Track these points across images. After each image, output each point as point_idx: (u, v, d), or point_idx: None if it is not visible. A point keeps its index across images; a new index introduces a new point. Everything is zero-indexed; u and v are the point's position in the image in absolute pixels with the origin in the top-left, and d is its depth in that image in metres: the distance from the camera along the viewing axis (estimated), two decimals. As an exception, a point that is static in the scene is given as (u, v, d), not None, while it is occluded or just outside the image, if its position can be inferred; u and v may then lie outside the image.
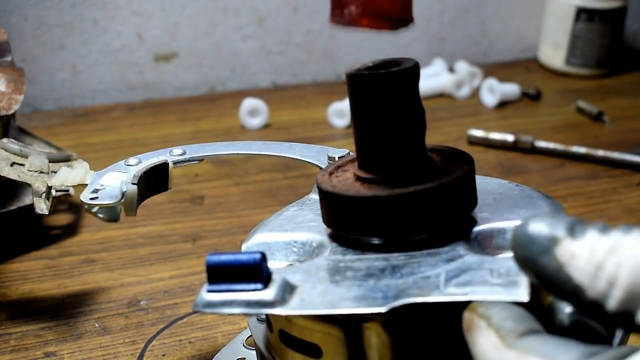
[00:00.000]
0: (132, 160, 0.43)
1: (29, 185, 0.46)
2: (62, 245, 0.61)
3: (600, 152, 0.75)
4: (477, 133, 0.80)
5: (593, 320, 0.30)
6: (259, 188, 0.70)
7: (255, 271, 0.29)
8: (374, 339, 0.30)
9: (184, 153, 0.45)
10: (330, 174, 0.35)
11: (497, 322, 0.26)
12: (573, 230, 0.26)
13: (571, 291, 0.25)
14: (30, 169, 0.47)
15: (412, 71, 0.32)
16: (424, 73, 0.95)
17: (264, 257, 0.30)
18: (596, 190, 0.70)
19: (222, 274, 0.30)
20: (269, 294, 0.29)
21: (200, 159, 0.45)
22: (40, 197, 0.45)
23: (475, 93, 0.94)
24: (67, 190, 0.47)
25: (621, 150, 0.76)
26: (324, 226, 0.35)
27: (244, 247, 0.36)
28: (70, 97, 0.94)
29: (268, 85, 1.01)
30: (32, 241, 0.61)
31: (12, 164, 0.47)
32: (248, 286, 0.29)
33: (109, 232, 0.63)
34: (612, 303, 0.24)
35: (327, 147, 0.44)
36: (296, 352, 0.32)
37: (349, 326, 0.30)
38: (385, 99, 0.32)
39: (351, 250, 0.33)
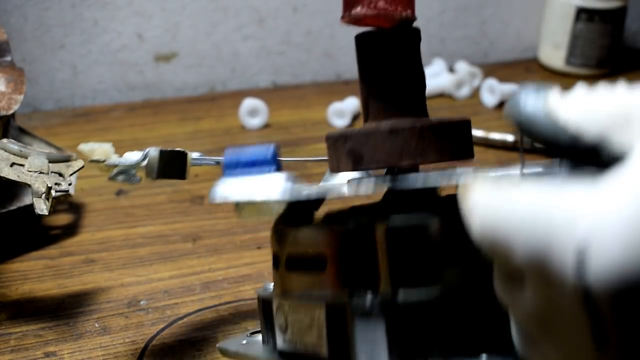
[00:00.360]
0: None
1: (29, 185, 0.46)
2: (62, 245, 0.61)
3: (600, 152, 0.75)
4: (477, 133, 0.80)
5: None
6: (259, 188, 0.70)
7: (269, 160, 0.34)
8: (378, 242, 0.31)
9: (203, 155, 0.49)
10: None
11: (490, 176, 0.29)
12: (562, 90, 0.29)
13: (554, 130, 0.28)
14: (30, 170, 0.47)
15: (414, 31, 0.36)
16: (424, 73, 0.95)
17: (277, 148, 0.34)
18: (596, 190, 0.70)
19: (237, 165, 0.34)
20: (280, 179, 0.33)
21: (217, 162, 0.48)
22: (40, 197, 0.45)
23: (475, 93, 0.94)
24: (67, 191, 0.47)
25: (621, 150, 0.76)
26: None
27: None
28: (70, 97, 0.94)
29: (268, 85, 1.01)
30: (32, 241, 0.61)
31: (12, 164, 0.47)
32: (261, 170, 0.33)
33: (109, 232, 0.63)
34: (592, 133, 0.27)
35: None
36: (302, 273, 0.34)
37: (353, 230, 0.32)
38: (390, 54, 0.35)
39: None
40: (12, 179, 0.46)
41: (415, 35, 0.36)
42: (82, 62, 0.93)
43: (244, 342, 0.44)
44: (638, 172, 0.25)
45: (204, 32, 0.96)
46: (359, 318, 0.31)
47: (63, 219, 0.65)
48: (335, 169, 0.37)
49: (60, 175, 0.48)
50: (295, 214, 0.35)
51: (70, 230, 0.63)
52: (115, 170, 0.42)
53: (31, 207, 0.52)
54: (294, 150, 0.78)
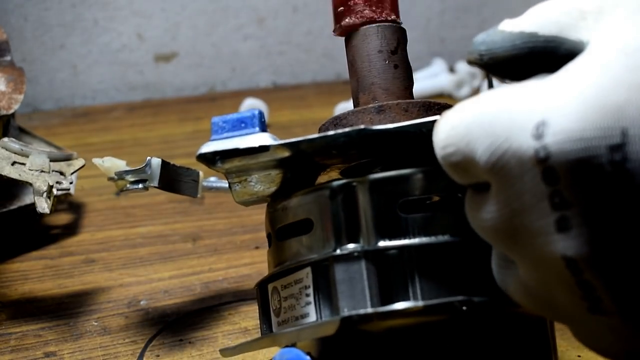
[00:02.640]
0: None
1: (30, 184, 0.46)
2: (62, 245, 0.61)
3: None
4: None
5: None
6: (259, 188, 0.70)
7: (254, 119, 0.34)
8: (360, 197, 0.33)
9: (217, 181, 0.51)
10: None
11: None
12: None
13: (511, 39, 0.29)
14: (31, 168, 0.47)
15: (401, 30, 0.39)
16: (424, 73, 0.95)
17: (261, 113, 0.35)
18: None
19: (224, 127, 0.35)
20: (265, 137, 0.33)
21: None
22: (42, 196, 0.45)
23: (476, 93, 0.94)
24: (68, 189, 0.47)
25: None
26: None
27: None
28: (70, 97, 0.94)
29: (268, 85, 1.01)
30: (32, 241, 0.61)
31: (13, 163, 0.47)
32: (247, 131, 0.34)
33: (109, 232, 0.63)
34: (547, 30, 0.28)
35: None
36: (291, 240, 0.35)
37: (336, 189, 0.33)
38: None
39: None
40: (14, 177, 0.46)
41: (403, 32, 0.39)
42: (82, 62, 0.93)
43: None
44: (596, 55, 0.25)
45: (204, 32, 0.96)
46: (341, 264, 0.32)
47: (63, 218, 0.65)
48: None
49: (62, 174, 0.48)
50: (286, 189, 0.36)
51: (70, 230, 0.63)
52: (125, 181, 0.43)
53: (31, 206, 0.52)
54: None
